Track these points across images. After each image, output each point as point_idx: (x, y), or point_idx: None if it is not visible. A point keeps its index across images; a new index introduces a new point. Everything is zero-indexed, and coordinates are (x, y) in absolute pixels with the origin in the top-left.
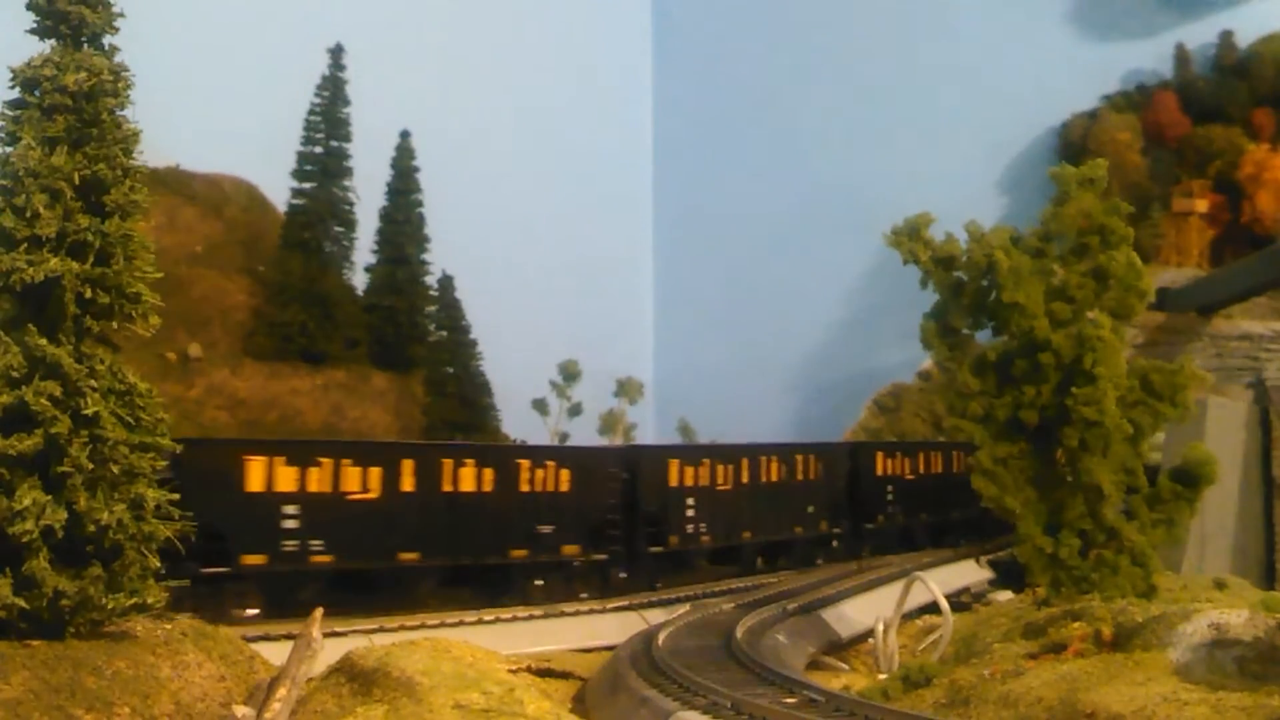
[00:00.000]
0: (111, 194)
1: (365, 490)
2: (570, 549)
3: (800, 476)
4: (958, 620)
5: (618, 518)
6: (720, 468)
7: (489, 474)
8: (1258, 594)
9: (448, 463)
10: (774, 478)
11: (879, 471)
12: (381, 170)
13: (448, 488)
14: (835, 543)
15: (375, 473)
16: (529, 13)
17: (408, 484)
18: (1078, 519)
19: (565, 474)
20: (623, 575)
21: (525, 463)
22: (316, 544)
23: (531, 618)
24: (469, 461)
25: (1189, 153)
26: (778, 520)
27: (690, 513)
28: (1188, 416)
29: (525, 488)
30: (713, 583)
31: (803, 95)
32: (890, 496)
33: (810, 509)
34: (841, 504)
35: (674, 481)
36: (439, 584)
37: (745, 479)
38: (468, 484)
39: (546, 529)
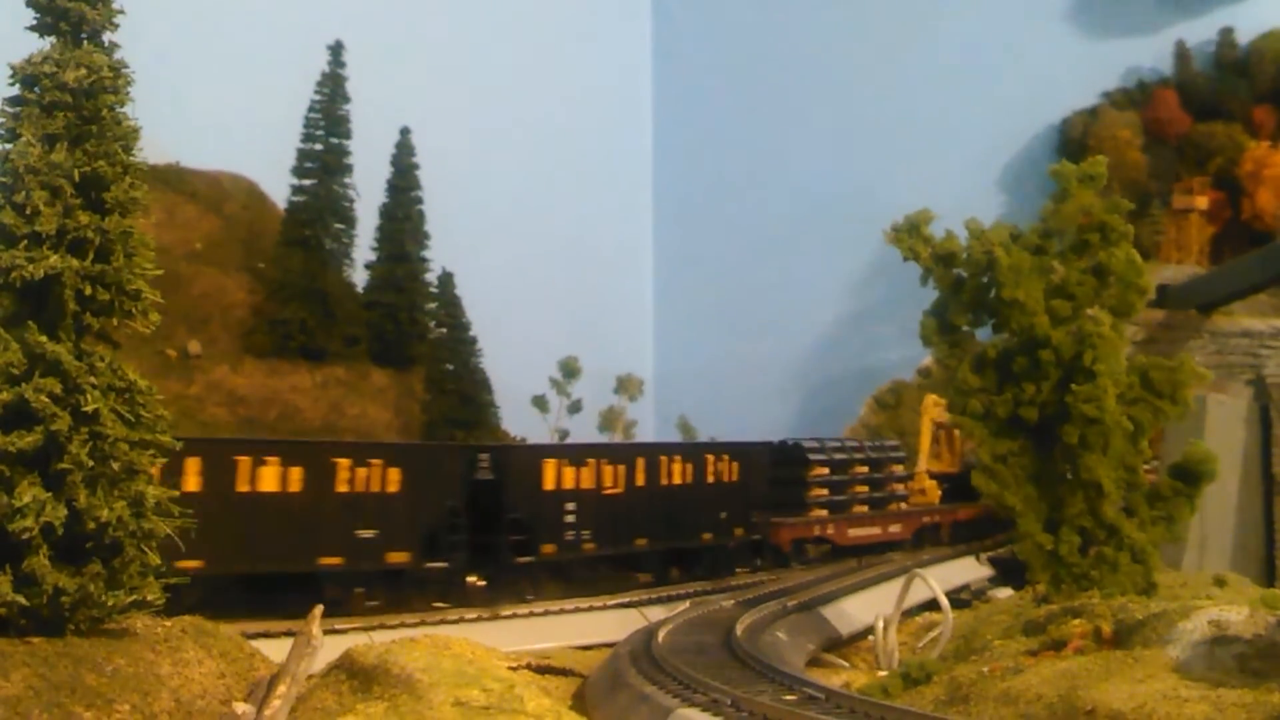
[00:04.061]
0: (111, 191)
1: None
2: None
3: (367, 487)
4: (958, 617)
5: None
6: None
7: None
8: (1257, 591)
9: None
10: (276, 487)
11: (551, 485)
12: (381, 167)
13: None
14: (478, 579)
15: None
16: (529, 11)
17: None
18: (1078, 516)
19: None
20: None
21: None
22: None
23: (531, 615)
24: None
25: (1189, 150)
26: (286, 545)
27: None
28: (1187, 414)
29: None
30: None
31: (802, 93)
32: (571, 519)
33: (371, 533)
34: (468, 528)
35: None
36: None
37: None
38: None
39: None
